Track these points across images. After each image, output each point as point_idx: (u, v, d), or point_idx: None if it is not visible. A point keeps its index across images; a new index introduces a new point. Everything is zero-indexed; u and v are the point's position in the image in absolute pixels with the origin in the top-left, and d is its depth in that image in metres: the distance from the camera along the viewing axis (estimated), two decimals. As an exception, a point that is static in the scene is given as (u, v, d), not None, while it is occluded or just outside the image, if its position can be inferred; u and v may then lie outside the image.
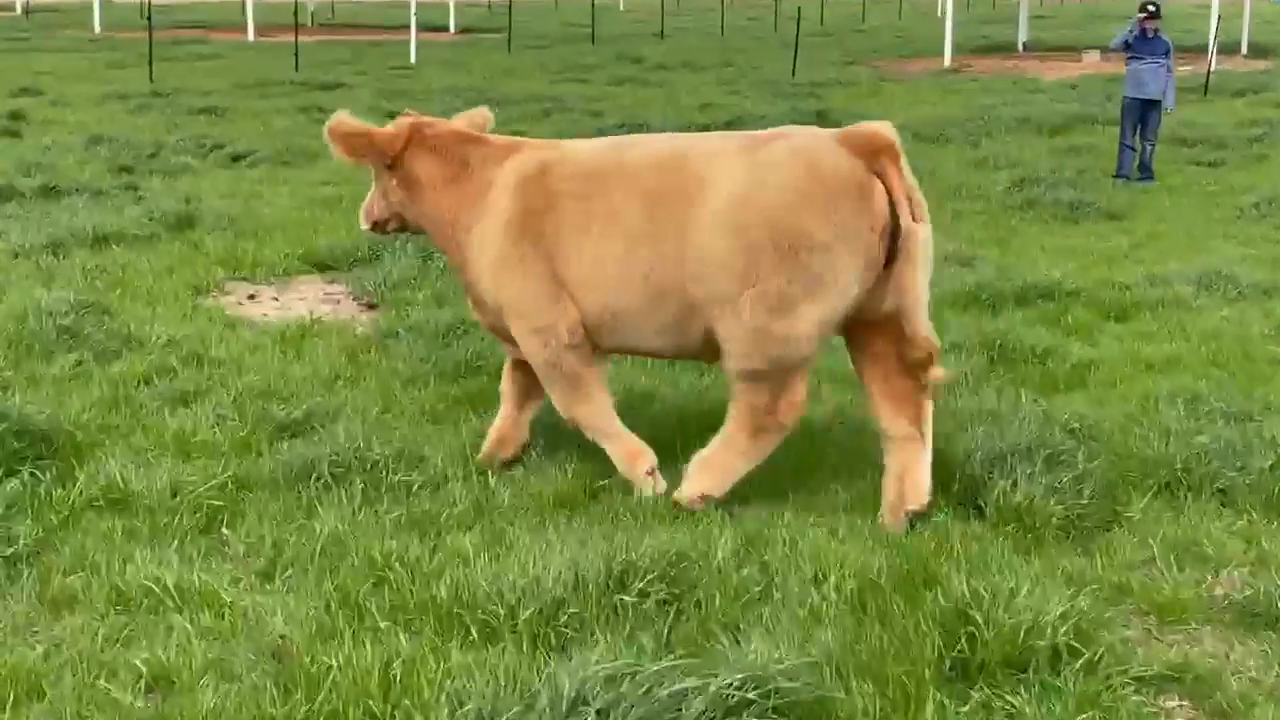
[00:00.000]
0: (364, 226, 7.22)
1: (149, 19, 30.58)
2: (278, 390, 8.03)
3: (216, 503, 6.31)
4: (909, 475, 6.14)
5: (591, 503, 6.42)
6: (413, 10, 35.19)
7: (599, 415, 6.65)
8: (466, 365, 8.44)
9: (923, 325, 6.00)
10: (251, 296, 10.81)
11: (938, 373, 6.10)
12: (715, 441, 6.29)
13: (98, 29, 45.67)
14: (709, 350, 6.35)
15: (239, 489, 6.49)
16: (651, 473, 6.50)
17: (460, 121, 7.10)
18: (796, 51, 31.44)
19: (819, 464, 6.78)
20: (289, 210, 14.04)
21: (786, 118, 19.69)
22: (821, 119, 19.56)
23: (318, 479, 6.51)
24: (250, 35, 42.13)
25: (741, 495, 6.34)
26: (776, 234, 5.85)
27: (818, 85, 27.81)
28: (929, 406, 6.19)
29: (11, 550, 5.72)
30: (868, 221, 5.85)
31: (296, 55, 31.13)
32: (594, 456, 6.71)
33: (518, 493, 6.50)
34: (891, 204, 5.88)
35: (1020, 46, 41.12)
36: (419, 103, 23.02)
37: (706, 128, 18.89)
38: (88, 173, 15.96)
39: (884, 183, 5.89)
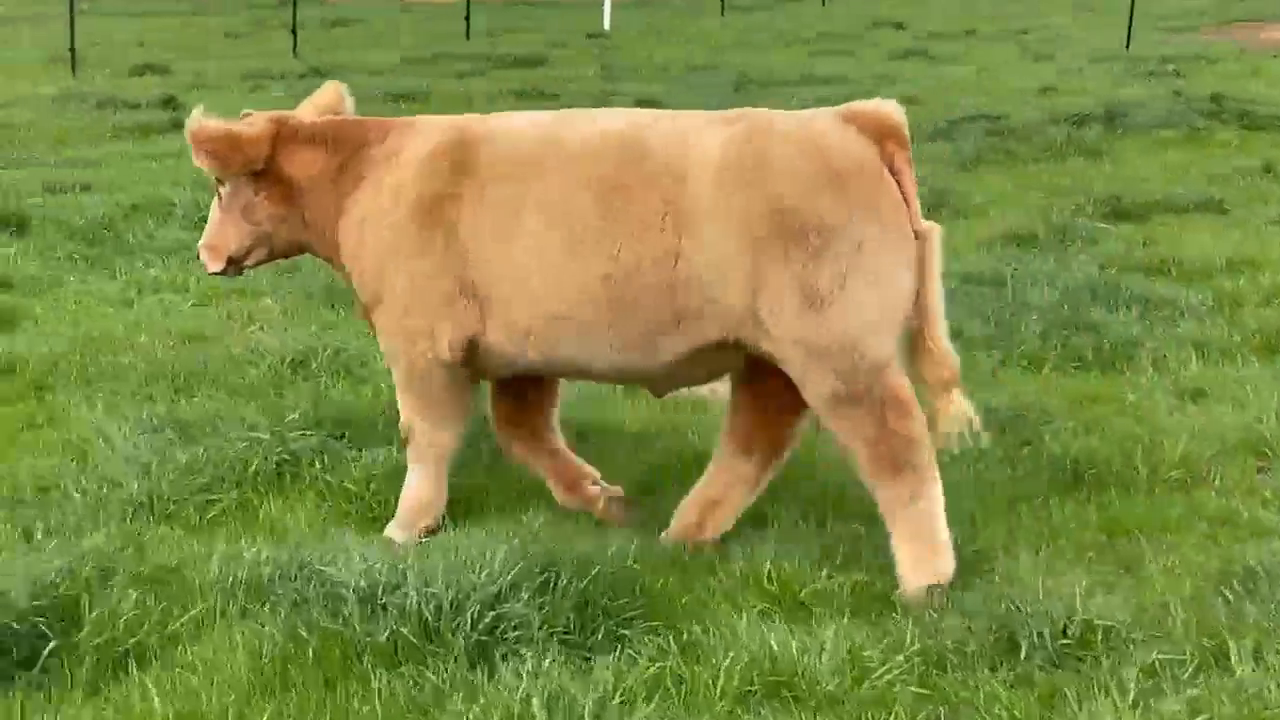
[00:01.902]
0: (213, 268, 6.25)
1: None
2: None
3: None
4: (723, 508, 5.80)
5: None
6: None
7: (436, 446, 5.98)
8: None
9: (944, 338, 5.43)
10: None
11: (957, 404, 5.40)
12: (885, 518, 5.42)
13: None
14: (676, 376, 5.78)
15: None
16: (430, 531, 5.90)
17: (310, 108, 6.29)
18: (1132, 16, 24.61)
19: None
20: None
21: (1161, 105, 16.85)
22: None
23: None
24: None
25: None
26: (791, 220, 5.27)
27: (1169, 60, 21.48)
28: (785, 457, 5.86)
29: None
30: (895, 203, 5.31)
31: (468, 19, 25.20)
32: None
33: None
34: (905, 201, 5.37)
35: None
36: (655, 84, 18.83)
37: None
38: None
39: (894, 173, 5.33)
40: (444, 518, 6.00)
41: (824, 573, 5.33)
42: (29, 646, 4.73)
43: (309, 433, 6.47)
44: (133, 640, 4.81)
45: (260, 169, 6.02)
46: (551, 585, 4.90)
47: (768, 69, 21.81)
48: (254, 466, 6.25)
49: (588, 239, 5.49)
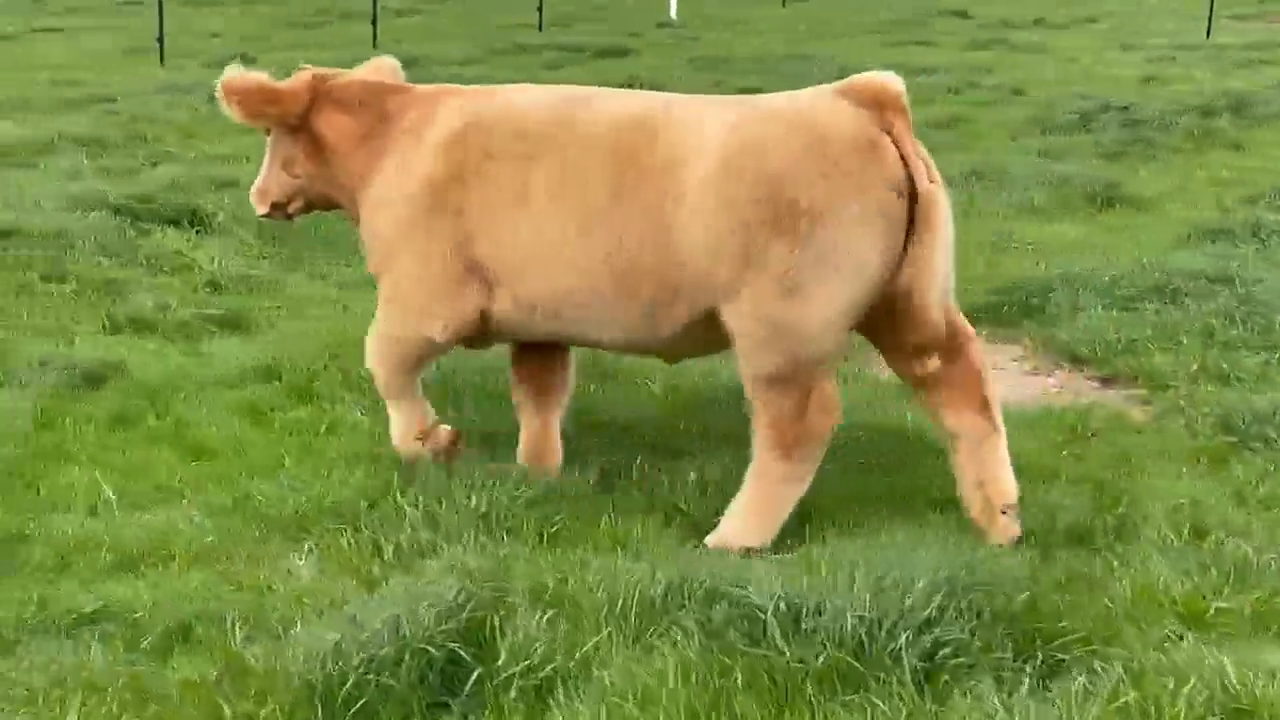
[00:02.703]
0: (260, 211, 6.60)
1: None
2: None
3: None
4: (990, 478, 5.73)
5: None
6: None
7: (402, 391, 6.30)
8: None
9: (933, 306, 5.49)
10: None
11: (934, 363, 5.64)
12: (748, 477, 5.74)
13: None
14: (680, 347, 5.98)
15: None
16: (423, 437, 6.30)
17: (366, 70, 6.55)
18: (1213, 6, 24.42)
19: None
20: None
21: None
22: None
23: None
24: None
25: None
26: (773, 201, 5.40)
27: (1254, 48, 21.36)
28: (995, 390, 5.81)
29: None
30: (879, 183, 5.40)
31: (541, 10, 25.01)
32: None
33: None
34: (906, 165, 5.41)
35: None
36: (751, 76, 19.14)
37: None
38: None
39: (895, 141, 5.42)
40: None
41: (1224, 590, 5.14)
42: (449, 673, 4.54)
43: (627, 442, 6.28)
44: (550, 666, 4.58)
45: (296, 124, 6.30)
46: (977, 607, 4.71)
47: (858, 59, 21.55)
48: (578, 477, 6.09)
49: (595, 217, 5.69)
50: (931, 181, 5.47)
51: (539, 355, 6.42)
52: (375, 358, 6.28)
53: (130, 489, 6.16)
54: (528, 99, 6.13)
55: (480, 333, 6.16)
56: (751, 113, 5.65)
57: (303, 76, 6.34)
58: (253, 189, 6.58)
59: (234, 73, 6.25)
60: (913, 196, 5.44)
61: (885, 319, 5.59)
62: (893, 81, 5.56)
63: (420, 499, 5.80)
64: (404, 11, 28.58)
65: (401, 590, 4.88)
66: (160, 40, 20.48)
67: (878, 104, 5.49)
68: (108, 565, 5.47)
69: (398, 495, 5.86)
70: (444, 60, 20.48)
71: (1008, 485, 5.76)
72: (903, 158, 5.44)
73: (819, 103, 5.58)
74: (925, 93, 17.98)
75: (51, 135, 13.93)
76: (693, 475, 6.14)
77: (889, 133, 5.45)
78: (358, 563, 5.43)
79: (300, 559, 5.51)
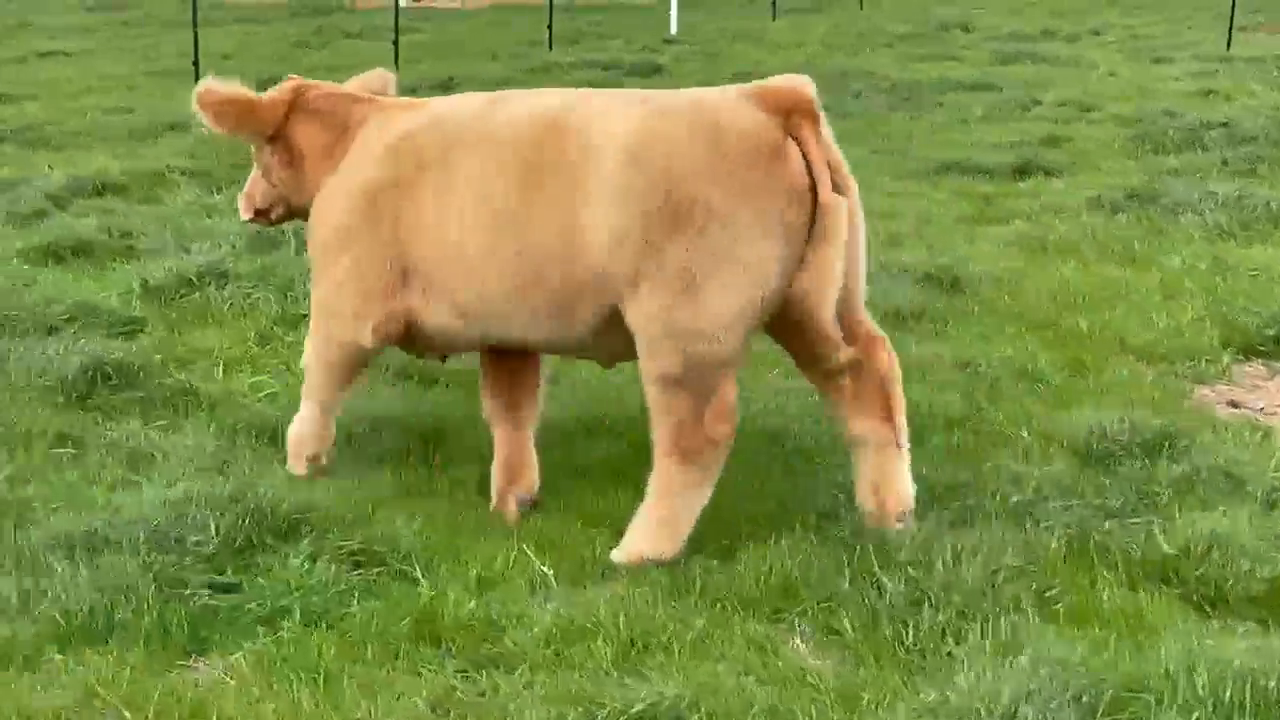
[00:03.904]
0: (244, 217, 6.98)
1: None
2: None
3: None
4: (886, 485, 5.85)
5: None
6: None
7: (325, 389, 6.50)
8: None
9: (827, 314, 5.54)
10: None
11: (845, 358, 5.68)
12: (649, 486, 5.79)
13: None
14: (601, 345, 5.99)
15: None
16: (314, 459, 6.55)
17: (353, 84, 6.87)
18: (1233, 17, 24.37)
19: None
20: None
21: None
22: None
23: None
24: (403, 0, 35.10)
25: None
26: (668, 200, 5.44)
27: None
28: (900, 397, 5.87)
29: None
30: (781, 188, 5.42)
31: (550, 27, 24.56)
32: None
33: None
34: (810, 171, 5.42)
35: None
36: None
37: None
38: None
39: (800, 146, 5.43)
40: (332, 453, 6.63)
41: None
42: None
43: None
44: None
45: (273, 134, 6.53)
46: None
47: (898, 73, 21.38)
48: (1054, 545, 5.75)
49: (508, 217, 5.81)
50: (841, 190, 5.51)
51: (507, 368, 6.48)
52: (310, 353, 6.54)
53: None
54: (458, 106, 6.34)
55: (427, 344, 6.39)
56: (655, 110, 5.67)
57: (285, 87, 6.60)
58: (241, 194, 6.93)
59: (209, 84, 6.48)
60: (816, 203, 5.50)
61: (788, 324, 5.67)
62: (803, 86, 5.60)
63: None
64: (405, 29, 28.05)
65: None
66: (195, 63, 19.88)
67: (786, 108, 5.50)
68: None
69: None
70: (482, 79, 19.91)
71: (904, 492, 5.87)
72: (808, 164, 5.46)
73: (723, 103, 5.61)
74: (1002, 111, 17.84)
75: (159, 168, 13.42)
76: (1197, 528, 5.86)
77: (796, 137, 5.47)
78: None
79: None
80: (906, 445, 5.95)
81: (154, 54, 24.03)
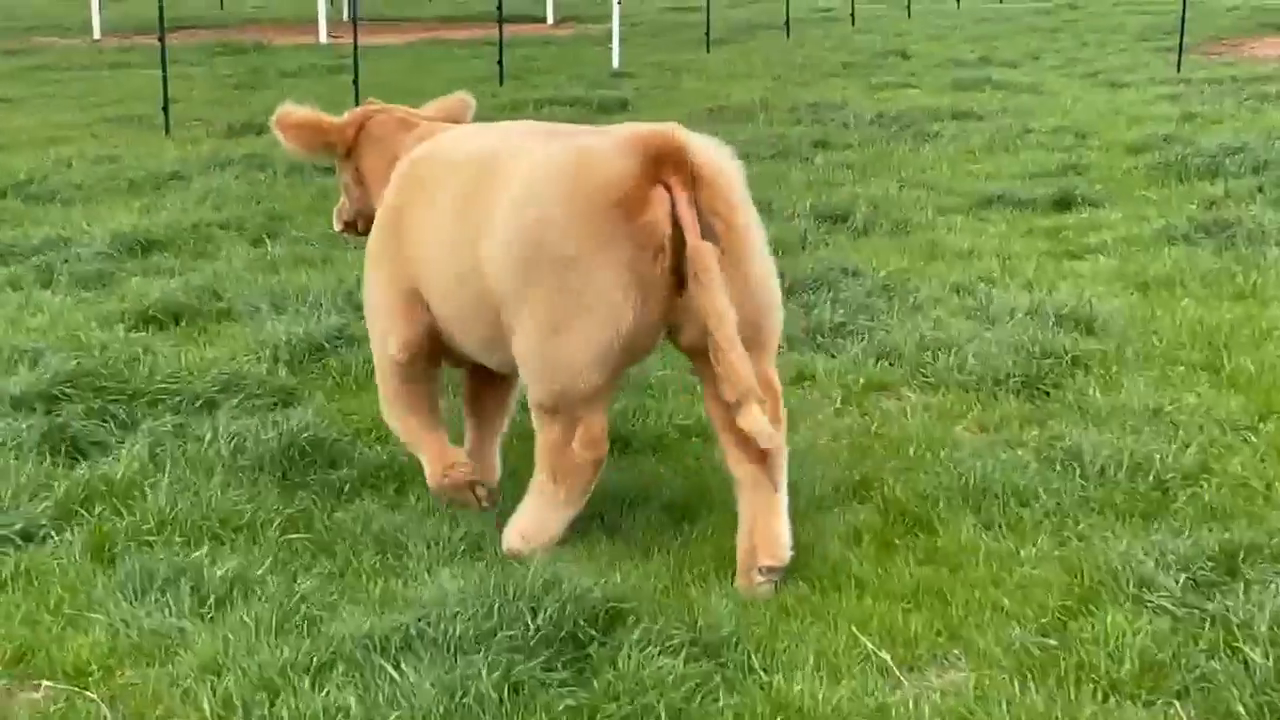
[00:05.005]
0: (336, 228, 7.62)
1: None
2: None
3: None
4: (759, 530, 5.88)
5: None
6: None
7: (412, 431, 6.81)
8: None
9: (732, 362, 5.58)
10: None
11: (749, 421, 5.65)
12: (528, 490, 6.22)
13: (97, 33, 37.30)
14: None
15: None
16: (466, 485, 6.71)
17: (431, 109, 7.42)
18: (1182, 40, 24.65)
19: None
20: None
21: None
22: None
23: None
24: (322, 36, 34.80)
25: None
26: (536, 244, 5.74)
27: (1237, 80, 22.03)
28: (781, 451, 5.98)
29: None
30: (633, 235, 5.62)
31: (501, 62, 24.34)
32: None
33: None
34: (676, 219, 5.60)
35: None
36: (782, 126, 18.83)
37: None
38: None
39: (670, 193, 5.58)
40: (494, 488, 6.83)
41: None
42: None
43: None
44: None
45: (345, 155, 7.15)
46: None
47: (859, 103, 21.29)
48: None
49: (449, 245, 6.20)
50: (717, 238, 5.63)
51: (479, 382, 6.91)
52: (382, 407, 6.95)
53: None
54: (462, 133, 6.77)
55: (458, 359, 6.74)
56: (543, 153, 5.93)
57: (356, 111, 7.19)
58: (335, 209, 7.58)
59: (287, 108, 7.08)
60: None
61: (705, 365, 5.79)
62: (674, 135, 5.74)
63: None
64: (338, 69, 27.53)
65: None
66: (165, 109, 19.36)
67: (656, 157, 5.66)
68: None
69: None
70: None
71: (775, 543, 5.92)
72: (675, 212, 5.60)
73: (596, 150, 5.79)
74: (1002, 139, 17.80)
75: (190, 221, 12.96)
76: None
77: (665, 185, 5.61)
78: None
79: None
80: (783, 492, 6.03)
81: (97, 100, 23.31)
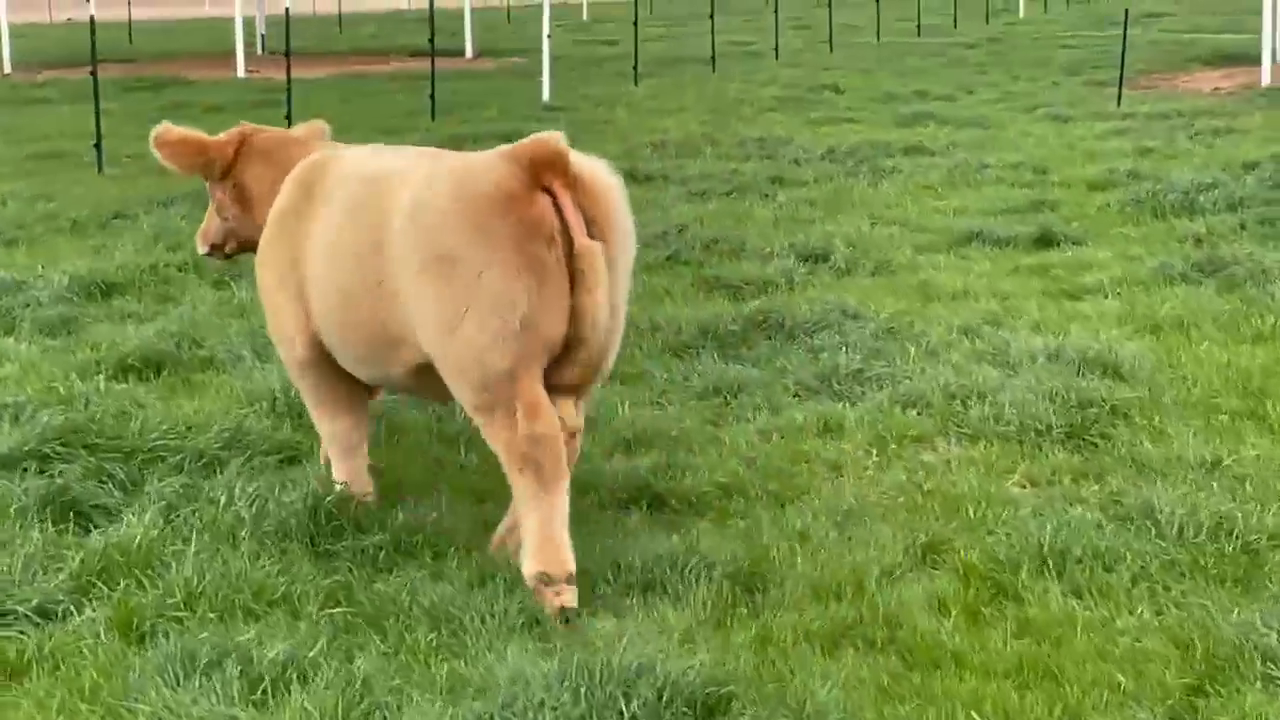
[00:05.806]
0: (200, 250, 7.73)
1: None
2: None
3: None
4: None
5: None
6: (546, 32, 27.57)
7: (337, 437, 6.99)
8: None
9: (592, 350, 6.04)
10: None
11: (570, 414, 6.15)
12: (519, 510, 6.18)
13: (7, 67, 36.26)
14: (421, 385, 6.60)
15: None
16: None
17: (299, 131, 7.75)
18: (1122, 77, 24.50)
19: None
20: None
21: None
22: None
23: None
24: (240, 70, 34.08)
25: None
26: (433, 255, 6.02)
27: (1182, 114, 22.14)
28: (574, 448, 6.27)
29: None
30: (519, 227, 5.92)
31: (433, 97, 23.72)
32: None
33: None
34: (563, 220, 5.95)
35: None
36: (733, 161, 18.46)
37: None
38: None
39: (554, 197, 5.94)
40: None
41: None
42: None
43: None
44: None
45: (223, 173, 7.29)
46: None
47: (804, 138, 20.98)
48: None
49: (336, 263, 6.44)
50: (602, 237, 5.97)
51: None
52: (310, 414, 7.17)
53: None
54: (356, 154, 6.92)
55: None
56: (431, 171, 6.24)
57: (234, 131, 7.36)
58: (199, 230, 7.68)
59: (166, 126, 7.29)
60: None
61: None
62: (552, 141, 6.03)
63: None
64: (263, 103, 26.92)
65: None
66: (98, 145, 18.71)
67: (537, 164, 5.96)
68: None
69: None
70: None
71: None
72: (560, 213, 5.92)
73: (482, 162, 6.17)
74: (962, 175, 17.54)
75: (148, 263, 12.38)
76: None
77: (548, 189, 5.93)
78: None
79: None
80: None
81: (17, 137, 22.57)
